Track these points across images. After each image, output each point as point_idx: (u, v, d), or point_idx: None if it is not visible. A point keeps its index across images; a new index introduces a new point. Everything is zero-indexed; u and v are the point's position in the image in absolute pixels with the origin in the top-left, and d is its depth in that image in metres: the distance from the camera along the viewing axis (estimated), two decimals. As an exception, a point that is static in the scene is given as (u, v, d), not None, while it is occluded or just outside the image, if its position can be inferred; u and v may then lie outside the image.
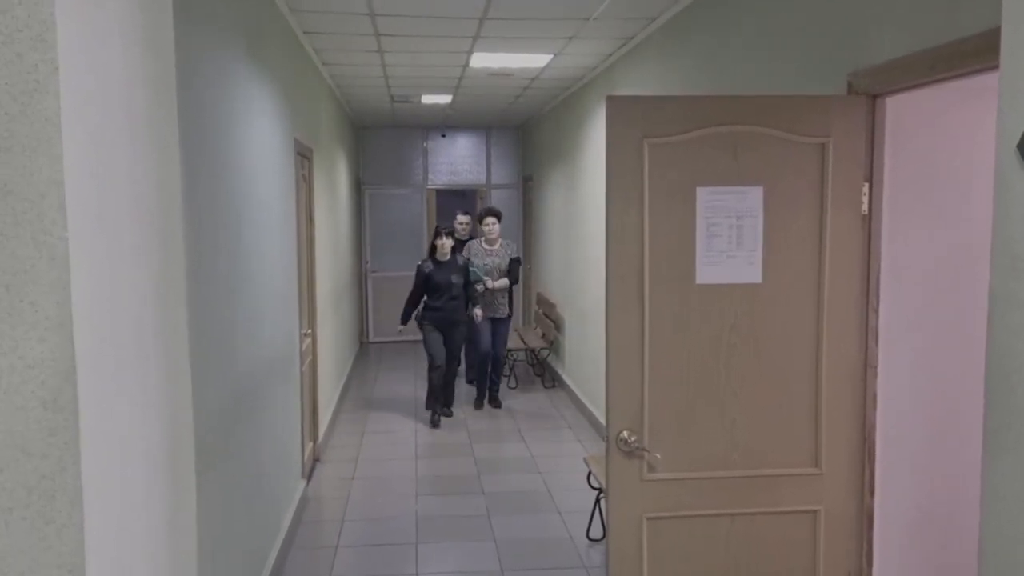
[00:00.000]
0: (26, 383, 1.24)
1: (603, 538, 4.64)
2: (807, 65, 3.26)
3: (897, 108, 2.75)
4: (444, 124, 11.23)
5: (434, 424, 7.22)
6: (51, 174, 1.25)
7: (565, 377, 8.53)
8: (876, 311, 2.82)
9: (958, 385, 2.84)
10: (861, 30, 2.84)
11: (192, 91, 2.91)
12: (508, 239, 8.13)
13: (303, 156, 5.85)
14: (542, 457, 6.41)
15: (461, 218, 8.80)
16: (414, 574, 4.40)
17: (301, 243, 5.66)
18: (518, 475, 6.01)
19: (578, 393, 7.90)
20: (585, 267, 7.43)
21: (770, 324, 2.82)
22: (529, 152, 11.12)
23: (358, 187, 11.19)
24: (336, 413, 7.50)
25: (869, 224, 2.80)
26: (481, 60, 6.52)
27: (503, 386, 8.36)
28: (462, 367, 8.02)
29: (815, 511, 2.91)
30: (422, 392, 8.01)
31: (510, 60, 6.57)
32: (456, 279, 7.30)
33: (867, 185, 2.78)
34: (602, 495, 4.54)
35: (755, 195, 2.78)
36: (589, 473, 4.83)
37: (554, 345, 8.96)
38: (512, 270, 7.80)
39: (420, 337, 7.48)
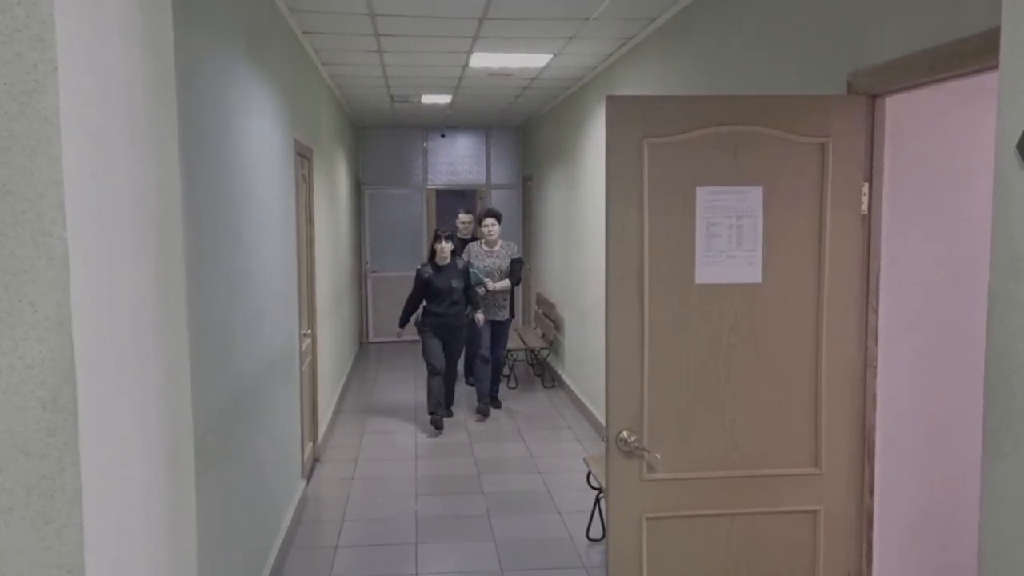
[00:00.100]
0: (25, 383, 1.24)
1: (603, 538, 4.64)
2: (807, 65, 3.26)
3: (897, 108, 2.75)
4: (444, 124, 11.23)
5: (436, 428, 7.04)
6: (50, 174, 1.25)
7: (565, 377, 8.53)
8: (876, 311, 2.82)
9: (958, 385, 2.83)
10: (861, 30, 2.84)
11: (192, 91, 2.91)
12: (508, 240, 8.05)
13: (303, 156, 5.85)
14: (542, 457, 6.41)
15: (463, 217, 8.77)
16: (414, 574, 4.40)
17: (301, 243, 5.66)
18: (518, 475, 6.01)
19: (578, 393, 7.90)
20: (585, 267, 7.43)
21: (770, 324, 2.82)
22: (529, 152, 11.12)
23: (358, 187, 11.19)
24: (336, 413, 7.50)
25: (869, 224, 2.80)
26: (481, 60, 6.52)
27: (503, 386, 8.35)
28: (461, 369, 7.99)
29: (815, 511, 2.91)
30: (422, 392, 7.96)
31: (510, 60, 6.57)
32: (456, 284, 7.14)
33: (867, 185, 2.78)
34: (602, 495, 4.54)
35: (755, 195, 2.78)
36: (589, 473, 4.83)
37: (554, 345, 8.96)
38: (514, 271, 7.67)
39: (419, 337, 7.31)
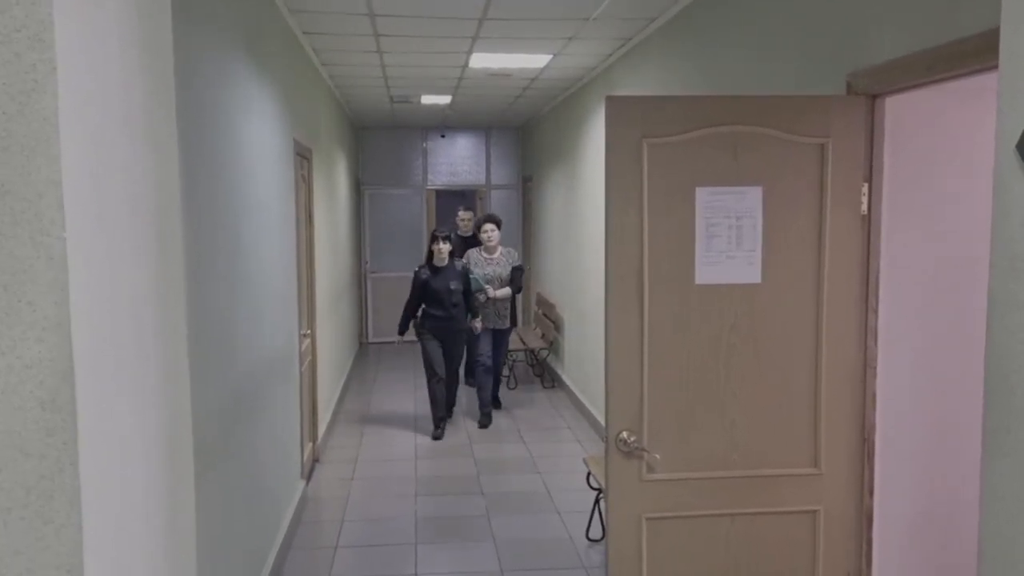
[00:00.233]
0: (24, 383, 1.24)
1: (602, 538, 4.64)
2: (807, 65, 3.26)
3: (896, 108, 2.75)
4: (444, 124, 11.23)
5: (437, 429, 6.97)
6: (49, 174, 1.25)
7: (564, 377, 8.53)
8: (876, 311, 2.82)
9: (958, 385, 2.83)
10: (861, 30, 2.84)
11: (191, 91, 2.91)
12: (509, 247, 7.78)
13: (302, 156, 5.85)
14: (541, 457, 6.40)
15: (463, 214, 8.68)
16: (413, 574, 4.40)
17: (300, 243, 5.66)
18: (517, 475, 6.01)
19: (577, 393, 7.89)
20: (585, 267, 7.42)
21: (770, 324, 2.82)
22: (529, 152, 11.13)
23: (357, 187, 11.19)
24: (335, 413, 7.50)
25: (868, 224, 2.80)
26: (481, 60, 6.52)
27: (503, 386, 8.33)
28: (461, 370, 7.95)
29: (815, 511, 2.91)
30: (422, 393, 7.90)
31: (510, 60, 6.57)
32: (455, 285, 6.95)
33: (866, 185, 2.78)
34: (601, 495, 4.54)
35: (754, 195, 2.78)
36: (588, 473, 4.82)
37: (553, 345, 8.96)
38: (515, 279, 7.43)
39: (419, 341, 7.13)
